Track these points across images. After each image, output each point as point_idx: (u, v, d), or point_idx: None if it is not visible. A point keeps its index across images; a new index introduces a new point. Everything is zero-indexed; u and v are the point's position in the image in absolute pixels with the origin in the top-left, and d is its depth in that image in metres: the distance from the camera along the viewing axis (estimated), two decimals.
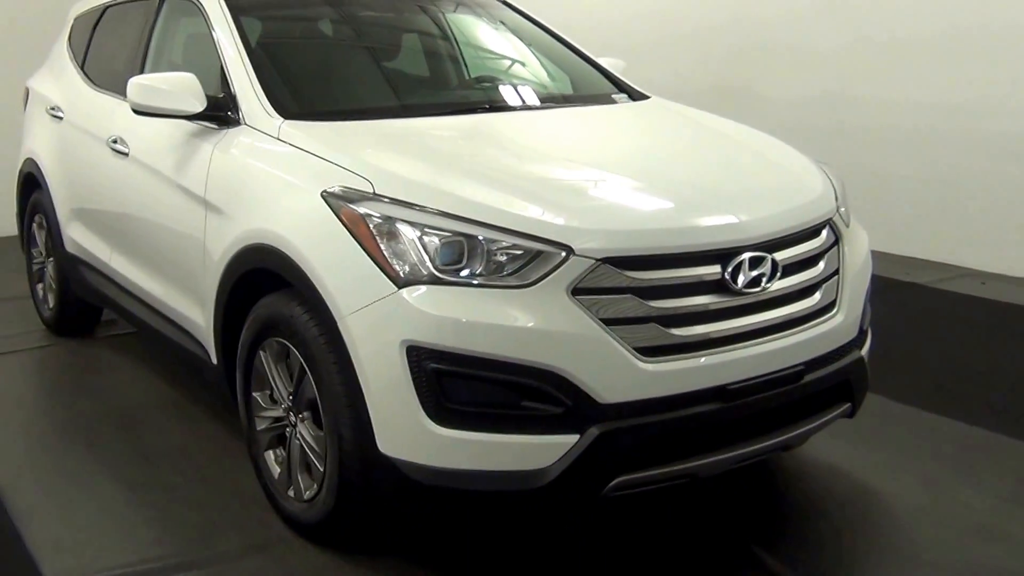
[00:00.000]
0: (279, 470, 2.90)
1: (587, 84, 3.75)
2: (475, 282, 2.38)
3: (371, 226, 2.46)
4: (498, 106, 3.32)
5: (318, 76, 3.42)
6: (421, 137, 2.97)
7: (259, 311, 2.82)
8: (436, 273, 2.38)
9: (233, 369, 3.05)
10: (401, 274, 2.39)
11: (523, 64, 3.87)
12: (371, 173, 2.58)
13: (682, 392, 2.44)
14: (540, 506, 2.53)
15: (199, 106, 3.08)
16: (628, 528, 2.91)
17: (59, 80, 4.51)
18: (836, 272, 2.79)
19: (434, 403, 2.37)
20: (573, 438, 2.37)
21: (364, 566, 2.72)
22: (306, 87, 3.32)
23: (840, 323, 2.74)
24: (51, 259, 4.52)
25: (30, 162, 4.57)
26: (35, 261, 4.76)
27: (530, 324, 2.34)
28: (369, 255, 2.44)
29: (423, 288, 2.38)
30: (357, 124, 3.02)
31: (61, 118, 4.30)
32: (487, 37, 4.00)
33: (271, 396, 2.92)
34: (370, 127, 3.00)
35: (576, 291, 2.37)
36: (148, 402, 3.87)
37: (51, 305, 4.60)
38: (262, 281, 2.84)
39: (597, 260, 2.38)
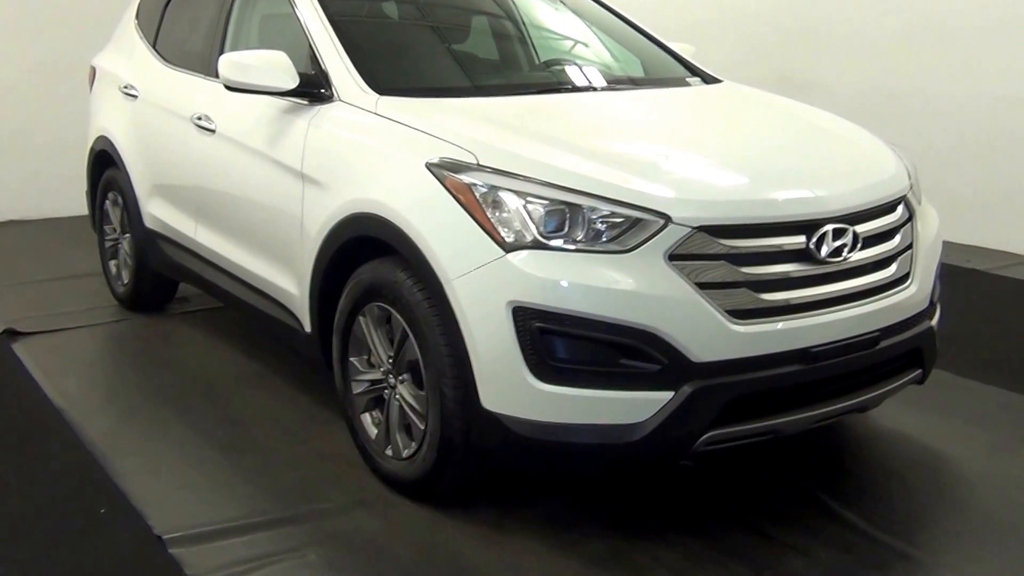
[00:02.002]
0: (376, 431, 3.06)
1: (659, 67, 3.90)
2: (577, 248, 2.54)
3: (477, 195, 2.62)
4: (579, 87, 3.47)
5: (402, 55, 3.58)
6: (513, 113, 3.11)
7: (360, 278, 2.98)
8: (540, 239, 2.54)
9: (327, 336, 3.22)
10: (507, 240, 2.55)
11: (596, 47, 4.03)
12: (473, 145, 2.74)
13: (769, 353, 2.60)
14: (634, 460, 2.68)
15: (292, 83, 3.23)
16: (700, 474, 3.08)
17: (130, 59, 4.66)
18: (909, 246, 2.94)
19: (537, 360, 2.53)
20: (668, 394, 2.53)
21: (460, 519, 2.88)
22: (392, 65, 3.47)
23: (913, 294, 2.89)
24: (127, 235, 4.68)
25: (103, 140, 4.73)
26: (108, 238, 4.91)
27: (629, 287, 2.49)
28: (476, 222, 2.60)
29: (529, 253, 2.53)
30: (450, 100, 3.18)
31: (136, 96, 4.45)
32: (560, 20, 4.15)
33: (368, 360, 3.08)
34: (463, 104, 3.16)
35: (672, 257, 2.53)
36: (229, 373, 4.03)
37: (125, 281, 4.75)
38: (361, 250, 3.01)
39: (693, 228, 2.53)
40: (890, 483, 3.13)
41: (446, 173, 2.69)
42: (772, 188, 2.72)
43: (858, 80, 6.45)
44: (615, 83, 3.65)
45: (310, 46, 3.38)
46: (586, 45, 4.05)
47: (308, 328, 3.31)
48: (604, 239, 2.55)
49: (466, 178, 2.66)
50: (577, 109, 3.27)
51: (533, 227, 2.55)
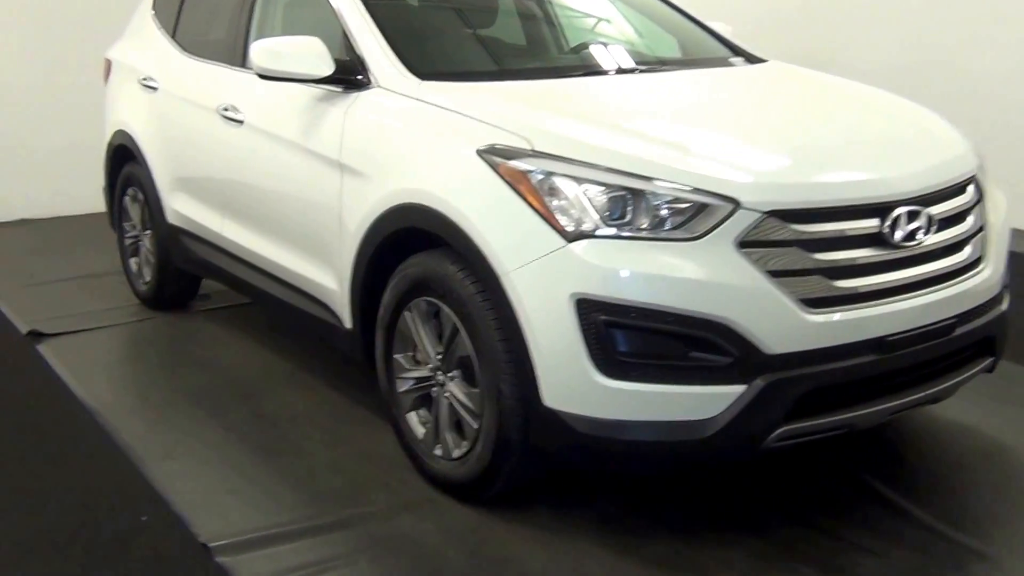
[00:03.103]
0: (423, 430, 2.94)
1: (698, 47, 3.77)
2: (643, 235, 2.41)
3: (533, 182, 2.49)
4: (623, 69, 3.33)
5: (439, 37, 3.45)
6: (562, 96, 2.99)
7: (406, 271, 2.85)
8: (603, 227, 2.41)
9: (368, 333, 3.10)
10: (569, 229, 2.42)
11: (632, 27, 3.90)
12: (526, 130, 2.61)
13: (844, 343, 2.47)
14: (702, 458, 2.56)
15: (327, 70, 3.10)
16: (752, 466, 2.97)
17: (148, 50, 4.52)
18: (981, 228, 2.81)
19: (602, 355, 2.40)
20: (739, 388, 2.40)
21: (513, 521, 2.76)
22: (431, 48, 3.34)
23: (987, 278, 2.77)
24: (148, 232, 4.55)
25: (122, 134, 4.59)
26: (128, 235, 4.77)
27: (699, 276, 2.37)
28: (533, 210, 2.47)
29: (592, 242, 2.41)
30: (493, 84, 3.05)
31: (156, 88, 4.32)
32: (593, 1, 4.01)
33: (414, 357, 2.96)
34: (508, 87, 3.03)
35: (743, 243, 2.40)
36: (260, 372, 3.90)
37: (147, 279, 4.62)
38: (405, 242, 2.88)
39: (764, 213, 2.41)
40: (958, 477, 3.01)
41: (499, 160, 2.56)
42: (842, 170, 2.59)
43: (887, 56, 6.26)
44: (657, 64, 3.52)
45: (343, 31, 3.24)
46: (622, 25, 3.92)
47: (348, 324, 3.18)
48: (668, 226, 2.42)
49: (521, 164, 2.53)
50: (625, 91, 3.14)
51: (595, 215, 2.43)
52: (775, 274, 2.41)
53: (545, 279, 2.44)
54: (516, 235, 2.50)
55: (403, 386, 2.99)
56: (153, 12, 4.61)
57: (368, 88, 3.09)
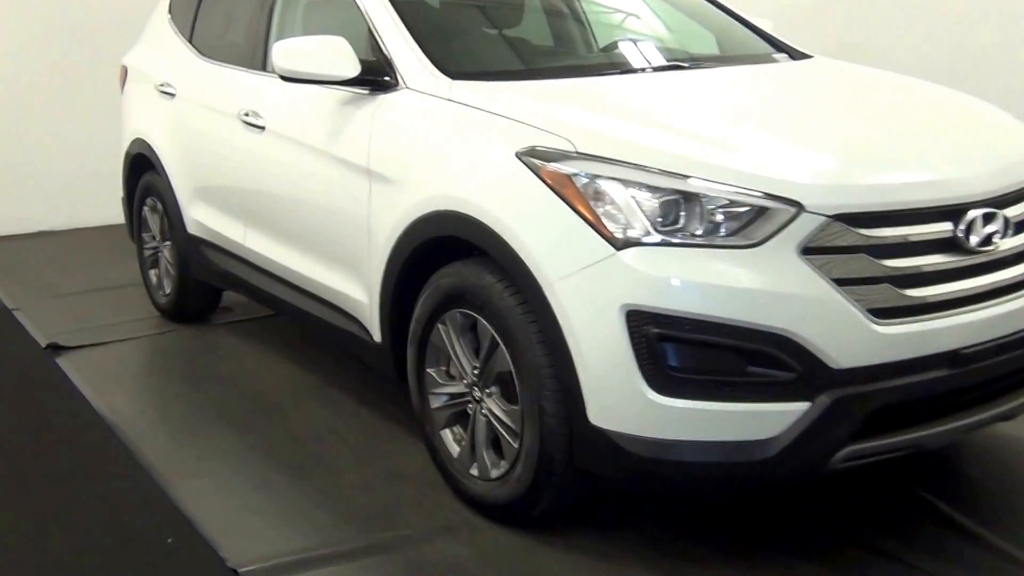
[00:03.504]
0: (459, 449, 2.78)
1: (739, 43, 3.59)
2: (697, 242, 2.25)
3: (578, 186, 2.33)
4: (664, 65, 3.17)
5: (468, 35, 3.29)
6: (602, 95, 2.82)
7: (440, 282, 2.70)
8: (655, 233, 2.25)
9: (399, 346, 2.95)
10: (617, 235, 2.26)
11: (669, 23, 3.73)
12: (568, 131, 2.45)
13: (915, 356, 2.29)
14: (762, 480, 2.39)
15: (353, 71, 2.95)
16: None
17: (165, 56, 4.39)
18: None
19: (655, 371, 2.24)
20: (803, 406, 2.23)
21: (555, 545, 2.60)
22: (461, 47, 3.19)
23: None
24: (167, 243, 4.42)
25: (139, 143, 4.46)
26: (147, 246, 4.64)
27: (760, 285, 2.20)
28: (579, 216, 2.31)
29: (643, 249, 2.24)
30: (528, 83, 2.88)
31: (173, 95, 4.18)
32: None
33: (448, 372, 2.80)
34: (544, 86, 2.86)
35: (806, 250, 2.22)
36: (284, 386, 3.75)
37: (167, 291, 4.49)
38: (439, 251, 2.73)
39: (828, 217, 2.23)
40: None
41: (540, 163, 2.40)
42: (912, 170, 2.41)
43: (926, 47, 6.02)
44: (699, 61, 3.34)
45: (369, 30, 3.09)
46: (655, 21, 3.75)
47: (377, 338, 3.03)
48: (724, 232, 2.25)
49: (564, 167, 2.37)
50: (668, 89, 2.96)
51: (645, 220, 2.26)
52: (841, 282, 2.23)
53: (592, 290, 2.27)
54: (560, 243, 2.34)
55: (436, 402, 2.83)
56: (169, 16, 4.48)
57: (396, 89, 2.94)
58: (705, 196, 2.26)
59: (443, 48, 3.00)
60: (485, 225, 2.49)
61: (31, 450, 3.29)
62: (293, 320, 3.77)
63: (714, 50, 3.65)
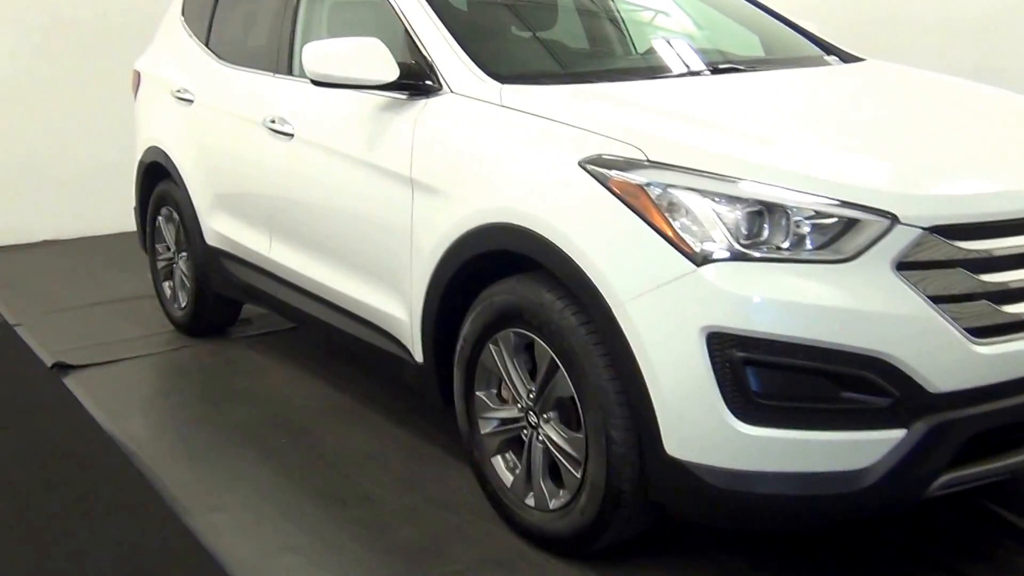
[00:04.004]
0: (511, 477, 2.61)
1: (785, 45, 3.43)
2: (784, 257, 2.08)
3: (652, 197, 2.16)
4: (720, 68, 2.99)
5: (513, 36, 3.12)
6: (663, 100, 2.65)
7: (492, 300, 2.53)
8: (740, 248, 2.08)
9: (443, 367, 2.78)
10: (698, 251, 2.09)
11: (715, 24, 3.56)
12: (636, 138, 2.27)
13: (1016, 378, 2.13)
14: (854, 512, 2.22)
15: (391, 74, 2.78)
16: None
17: (180, 60, 4.21)
18: None
19: (740, 398, 2.07)
20: (899, 433, 2.06)
21: None
22: (507, 49, 3.02)
23: None
24: (183, 254, 4.24)
25: (155, 151, 4.28)
26: (161, 257, 4.46)
27: (854, 304, 2.03)
28: (654, 230, 2.14)
29: (726, 266, 2.07)
30: (581, 87, 2.71)
31: (191, 101, 4.01)
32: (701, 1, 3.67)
33: (499, 395, 2.64)
34: (598, 91, 2.69)
35: (900, 265, 2.06)
36: (313, 406, 3.57)
37: (183, 304, 4.31)
38: (490, 266, 2.56)
39: (924, 229, 2.07)
40: None
41: (609, 172, 2.23)
42: (1006, 179, 2.24)
43: (957, 59, 5.89)
44: (754, 63, 3.18)
45: (406, 32, 2.92)
46: (699, 22, 3.59)
47: (419, 358, 2.86)
48: (812, 245, 2.08)
49: (636, 177, 2.19)
50: (731, 93, 2.79)
51: (727, 234, 2.09)
52: (937, 299, 2.07)
53: (669, 309, 2.10)
54: (633, 258, 2.17)
55: (486, 427, 2.66)
56: (183, 19, 4.31)
57: (438, 94, 2.76)
58: (791, 207, 2.09)
59: (487, 50, 2.83)
60: (545, 239, 2.32)
61: (39, 481, 3.07)
62: (324, 336, 3.58)
63: (759, 52, 3.49)
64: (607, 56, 3.30)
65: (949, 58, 5.88)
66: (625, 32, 3.53)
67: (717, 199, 2.12)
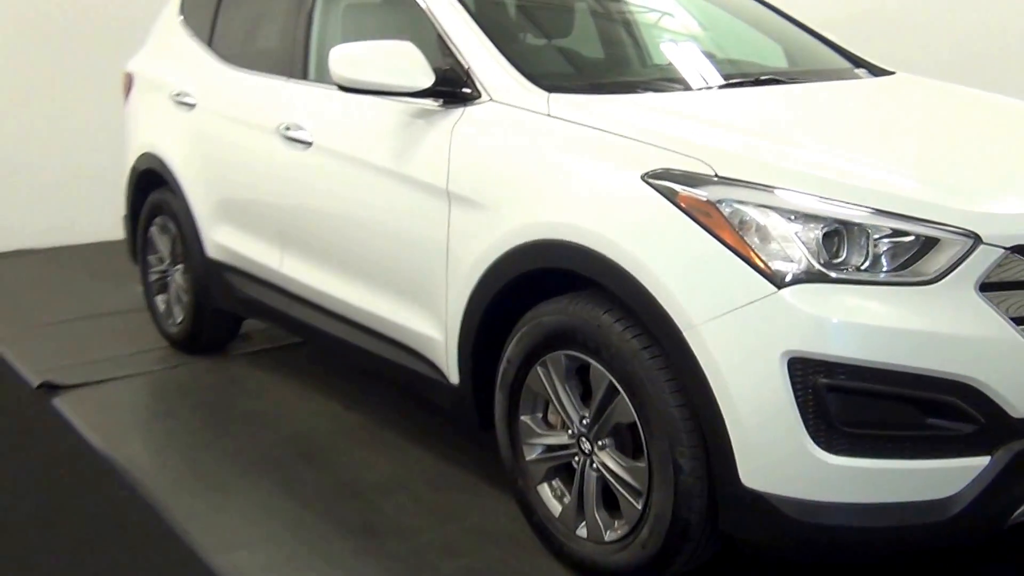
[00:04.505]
0: (560, 506, 2.48)
1: (811, 56, 3.36)
2: (864, 278, 1.99)
3: (725, 214, 2.06)
4: (761, 79, 2.90)
5: (555, 42, 3.00)
6: (719, 111, 2.55)
7: (541, 320, 2.40)
8: (820, 269, 1.98)
9: (481, 389, 2.65)
10: (779, 271, 1.99)
11: (740, 34, 3.48)
12: (704, 153, 2.17)
13: None
14: (937, 542, 2.14)
15: (426, 81, 2.65)
16: None
17: (179, 62, 4.02)
18: None
19: (823, 426, 1.97)
20: (983, 460, 1.99)
21: None
22: (551, 56, 2.89)
23: None
24: (179, 266, 4.06)
25: (149, 157, 4.08)
26: (154, 269, 4.26)
27: (939, 327, 1.95)
28: (729, 249, 2.03)
29: (808, 288, 1.97)
30: (630, 98, 2.61)
31: (193, 105, 3.82)
32: (703, 9, 3.58)
33: (545, 419, 2.52)
34: (649, 101, 2.59)
35: (983, 286, 1.99)
36: (326, 428, 3.40)
37: (179, 319, 4.11)
38: (537, 285, 2.44)
39: (1007, 249, 1.99)
40: None
41: (678, 188, 2.12)
42: None
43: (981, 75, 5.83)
44: (796, 75, 3.08)
45: (439, 36, 2.79)
46: (727, 31, 3.51)
47: (454, 380, 2.72)
48: (888, 266, 2.01)
49: (707, 193, 2.09)
50: (782, 105, 2.70)
51: (807, 253, 1.99)
52: (1019, 322, 2.00)
53: (747, 333, 2.00)
54: (705, 279, 2.06)
55: (532, 453, 2.53)
56: (182, 18, 4.12)
57: (477, 103, 2.64)
58: (870, 226, 2.01)
59: (531, 57, 2.72)
60: (605, 257, 2.20)
61: (36, 519, 2.83)
62: (344, 356, 3.40)
63: (782, 62, 3.42)
64: (641, 65, 3.19)
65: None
66: (653, 41, 3.42)
67: (793, 217, 2.02)
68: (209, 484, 3.06)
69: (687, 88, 2.80)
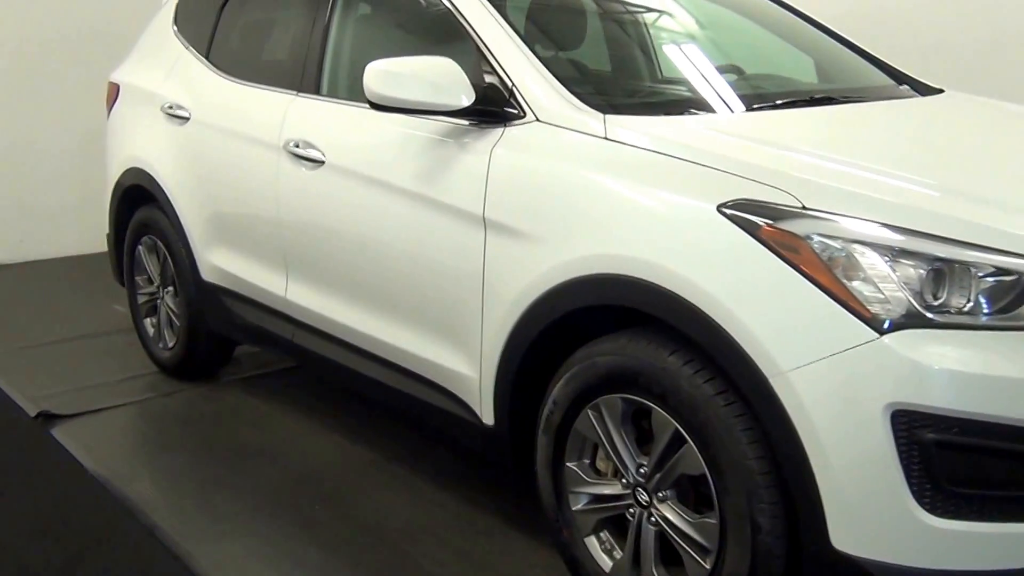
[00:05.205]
0: (611, 562, 2.28)
1: (847, 71, 3.19)
2: (975, 324, 1.81)
3: (817, 251, 1.87)
4: (816, 98, 2.71)
5: (605, 59, 2.79)
6: (790, 135, 2.35)
7: (595, 360, 2.19)
8: (924, 312, 1.80)
9: (518, 432, 2.44)
10: (878, 315, 1.80)
11: (770, 47, 3.30)
12: (786, 181, 1.97)
13: None
14: None
15: (467, 99, 2.43)
16: None
17: (172, 72, 3.76)
18: None
19: (928, 486, 1.78)
20: None
21: None
22: (603, 74, 2.68)
23: None
24: (170, 289, 3.80)
25: (137, 172, 3.82)
26: (142, 291, 3.99)
27: None
28: (822, 289, 1.84)
29: (913, 333, 1.79)
30: (699, 119, 2.42)
31: (187, 118, 3.57)
32: (743, 24, 3.39)
33: (594, 466, 2.31)
34: (717, 122, 2.39)
35: None
36: (338, 463, 3.17)
37: (170, 344, 3.85)
38: (580, 321, 2.24)
39: None
40: None
41: (759, 220, 1.93)
42: None
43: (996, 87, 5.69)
44: (846, 94, 2.85)
45: (479, 51, 2.58)
46: (763, 45, 3.32)
47: (488, 420, 2.50)
48: (990, 308, 1.82)
49: (795, 227, 1.89)
50: (848, 127, 2.51)
51: (909, 295, 1.81)
52: None
53: (845, 382, 1.80)
54: (794, 321, 1.86)
55: (578, 503, 2.32)
56: (175, 28, 3.86)
57: (520, 123, 2.43)
58: (975, 264, 1.83)
59: (582, 75, 2.50)
60: (675, 295, 2.00)
61: (47, 561, 2.61)
62: (363, 391, 3.13)
63: (813, 78, 3.24)
64: (691, 84, 2.96)
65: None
66: (701, 60, 3.18)
67: (892, 254, 1.84)
68: (225, 525, 2.84)
69: (744, 108, 2.60)
